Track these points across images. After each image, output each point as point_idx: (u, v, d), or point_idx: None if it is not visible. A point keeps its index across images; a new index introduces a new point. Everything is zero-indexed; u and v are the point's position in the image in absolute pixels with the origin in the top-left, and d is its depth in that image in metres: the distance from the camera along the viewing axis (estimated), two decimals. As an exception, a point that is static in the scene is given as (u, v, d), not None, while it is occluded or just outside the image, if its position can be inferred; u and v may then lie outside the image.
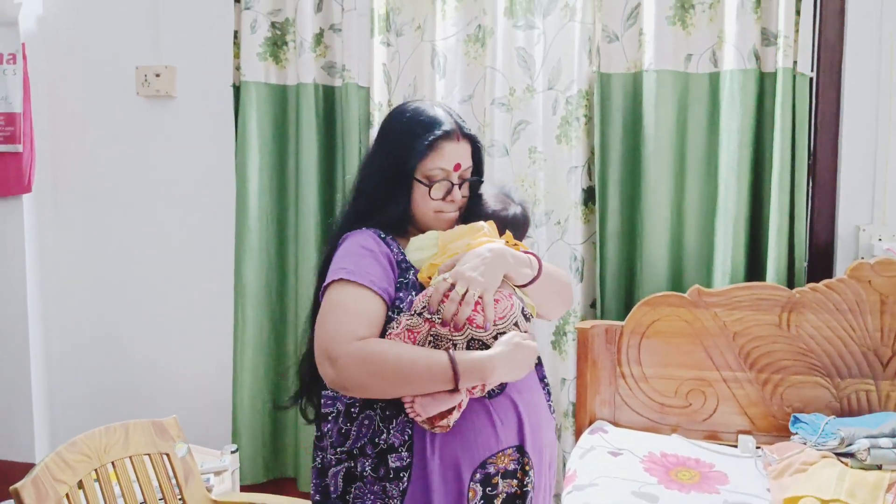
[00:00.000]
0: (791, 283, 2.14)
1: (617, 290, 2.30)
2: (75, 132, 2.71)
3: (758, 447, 2.00)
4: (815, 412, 2.03)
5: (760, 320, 2.07)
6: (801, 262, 2.15)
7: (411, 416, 1.17)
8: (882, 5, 2.10)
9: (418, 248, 1.30)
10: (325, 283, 1.24)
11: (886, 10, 2.09)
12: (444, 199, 1.32)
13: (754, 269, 2.19)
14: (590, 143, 2.27)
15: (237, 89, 2.46)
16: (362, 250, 1.26)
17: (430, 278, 1.25)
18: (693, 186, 2.23)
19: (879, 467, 1.74)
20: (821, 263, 2.18)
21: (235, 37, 2.45)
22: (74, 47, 2.68)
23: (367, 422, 1.23)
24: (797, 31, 2.10)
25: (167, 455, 1.68)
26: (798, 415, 2.02)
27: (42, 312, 2.69)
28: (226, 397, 2.49)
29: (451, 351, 1.16)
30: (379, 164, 1.33)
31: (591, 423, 2.17)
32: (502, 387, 1.24)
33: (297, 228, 2.43)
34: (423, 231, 1.35)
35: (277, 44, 2.45)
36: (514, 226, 1.37)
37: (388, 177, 1.31)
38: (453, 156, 1.31)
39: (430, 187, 1.30)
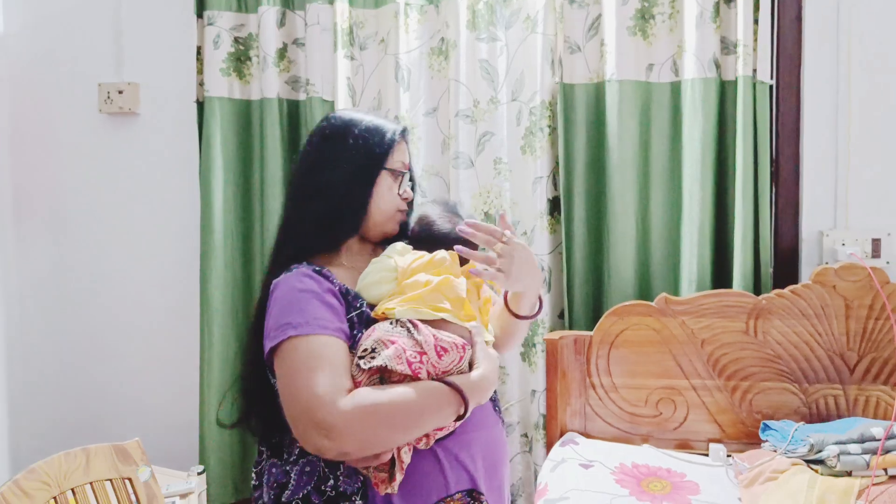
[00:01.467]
0: (757, 289, 2.15)
1: (584, 299, 2.28)
2: (36, 151, 2.66)
3: (729, 455, 2.00)
4: (784, 418, 2.03)
5: (728, 327, 2.07)
6: (767, 268, 2.16)
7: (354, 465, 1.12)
8: (838, 12, 2.12)
9: (375, 283, 1.23)
10: (272, 345, 1.11)
11: (843, 17, 2.12)
12: (400, 194, 1.32)
13: (721, 275, 2.20)
14: (554, 154, 2.27)
15: (201, 105, 2.43)
16: (300, 294, 1.14)
17: (384, 314, 1.18)
18: (658, 195, 2.23)
19: (849, 473, 1.73)
20: (786, 269, 2.19)
21: (198, 52, 2.43)
22: (35, 65, 2.64)
23: (308, 468, 1.15)
24: (756, 39, 2.12)
25: (129, 480, 1.63)
26: (768, 422, 2.01)
27: (3, 333, 2.63)
28: (192, 417, 2.44)
29: (444, 378, 1.12)
30: (345, 159, 1.26)
31: (561, 434, 2.15)
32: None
33: (263, 245, 2.39)
34: (370, 244, 1.33)
35: (241, 59, 2.43)
36: (470, 243, 1.32)
37: (355, 170, 1.26)
38: (406, 153, 1.35)
39: (399, 178, 1.30)
